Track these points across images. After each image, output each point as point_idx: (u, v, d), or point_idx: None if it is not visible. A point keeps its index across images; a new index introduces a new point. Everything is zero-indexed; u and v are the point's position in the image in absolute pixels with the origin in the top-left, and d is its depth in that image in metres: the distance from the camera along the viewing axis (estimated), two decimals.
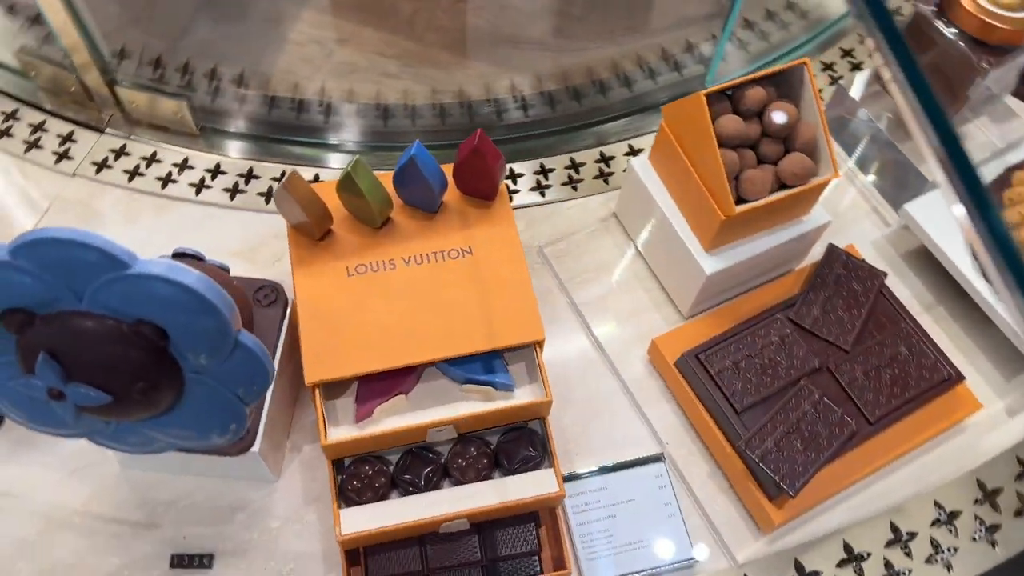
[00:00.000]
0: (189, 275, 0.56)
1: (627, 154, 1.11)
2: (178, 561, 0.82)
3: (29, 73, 1.08)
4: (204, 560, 0.82)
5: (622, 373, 0.94)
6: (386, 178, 0.84)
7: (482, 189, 0.85)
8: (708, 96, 0.82)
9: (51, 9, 0.97)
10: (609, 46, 1.19)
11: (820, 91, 1.11)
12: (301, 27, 1.18)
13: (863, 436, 0.86)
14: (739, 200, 0.85)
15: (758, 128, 0.85)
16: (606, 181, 1.08)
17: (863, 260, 0.95)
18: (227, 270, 0.82)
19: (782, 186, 0.87)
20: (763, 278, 0.98)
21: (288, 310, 0.85)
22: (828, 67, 1.22)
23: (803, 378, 0.88)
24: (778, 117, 0.84)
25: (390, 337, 0.78)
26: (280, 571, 0.82)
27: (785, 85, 0.87)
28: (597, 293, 1.00)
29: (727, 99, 0.86)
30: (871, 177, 1.10)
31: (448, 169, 0.85)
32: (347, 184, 0.79)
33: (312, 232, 0.82)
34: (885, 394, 0.88)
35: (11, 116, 1.08)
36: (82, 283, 0.56)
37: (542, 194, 1.07)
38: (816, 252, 0.99)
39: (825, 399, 0.85)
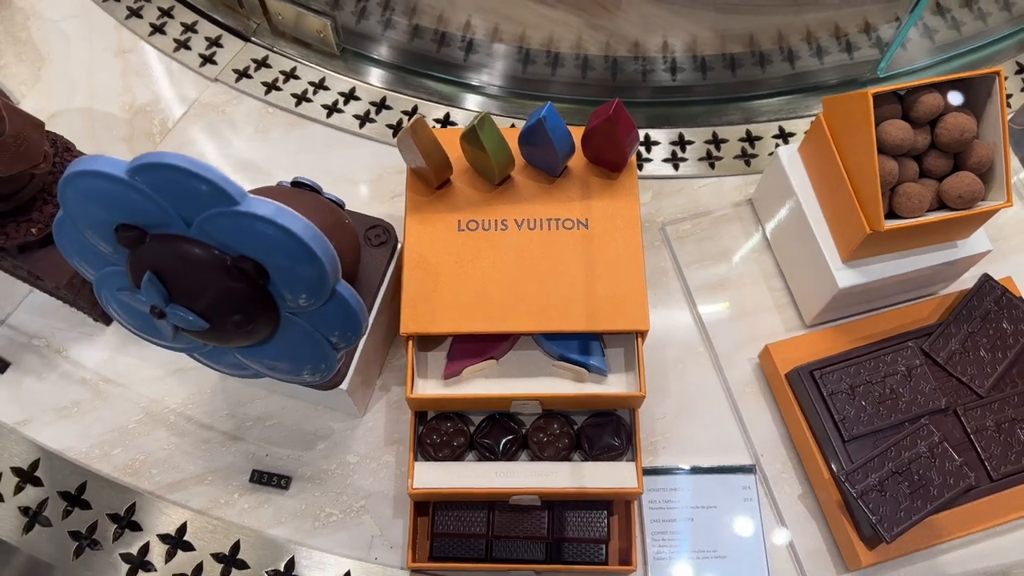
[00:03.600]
0: (296, 221, 0.55)
1: (776, 137, 1.03)
2: (258, 477, 0.85)
3: None
4: (282, 481, 0.84)
5: (727, 373, 0.89)
6: (512, 135, 0.80)
7: (610, 160, 0.80)
8: (876, 96, 0.74)
9: None
10: (777, 14, 1.09)
11: (1009, 97, 0.99)
12: None
13: (980, 492, 0.79)
14: (890, 215, 0.77)
15: (927, 138, 0.77)
16: (747, 163, 1.01)
17: (1021, 298, 0.85)
18: (342, 206, 0.81)
19: (942, 206, 0.78)
20: (901, 298, 0.90)
21: (396, 252, 0.84)
22: (1023, 70, 1.08)
23: (925, 416, 0.80)
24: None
25: (491, 301, 0.76)
26: (351, 506, 0.84)
27: (969, 93, 0.77)
28: (715, 282, 0.94)
29: (898, 101, 0.77)
30: None
31: (577, 133, 0.81)
32: (471, 138, 0.76)
33: (430, 180, 0.80)
34: (1016, 451, 0.80)
35: (166, 13, 1.10)
36: (192, 211, 0.56)
37: (675, 167, 1.01)
38: (966, 279, 0.90)
39: (945, 443, 0.78)
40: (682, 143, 1.02)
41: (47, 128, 0.81)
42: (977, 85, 0.76)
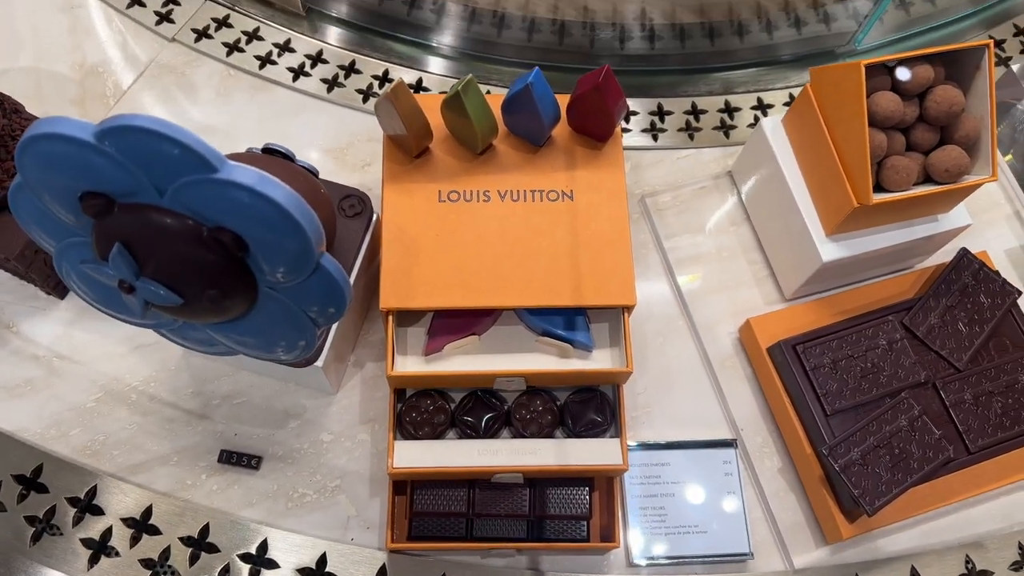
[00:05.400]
0: (280, 190, 0.52)
1: (754, 108, 1.02)
2: (227, 457, 0.81)
3: None
4: (252, 461, 0.81)
5: (707, 347, 0.88)
6: (495, 101, 0.77)
7: (596, 130, 0.78)
8: (867, 67, 0.72)
9: None
10: None
11: (1008, 59, 0.99)
12: None
13: (958, 464, 0.80)
14: (877, 188, 0.77)
15: (915, 111, 0.76)
16: (726, 135, 1.00)
17: (997, 272, 0.86)
18: (315, 174, 0.77)
19: (927, 179, 0.77)
20: (880, 271, 0.90)
21: (372, 223, 0.80)
22: (997, 44, 1.09)
23: (905, 390, 0.81)
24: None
25: (473, 275, 0.73)
26: (325, 486, 0.81)
27: (956, 66, 0.76)
28: (695, 255, 0.93)
29: (887, 72, 0.76)
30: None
31: (560, 101, 0.78)
32: (454, 103, 0.73)
33: (409, 148, 0.76)
34: (992, 424, 0.80)
35: None
36: (166, 179, 0.52)
37: (654, 138, 0.99)
38: (944, 252, 0.90)
39: (924, 417, 0.78)
40: (661, 113, 1.00)
41: None
42: (965, 57, 0.75)
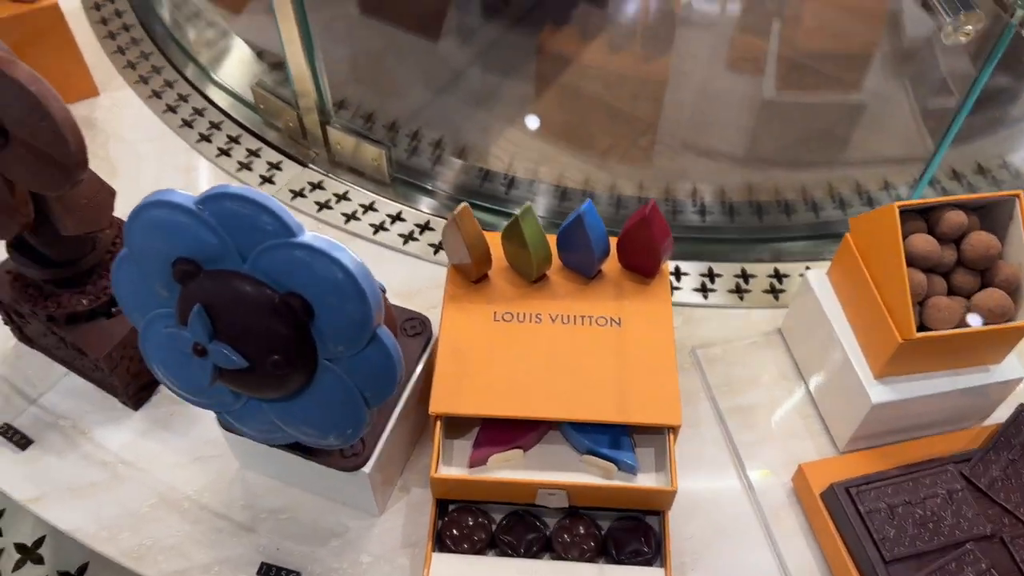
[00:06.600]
0: (347, 256, 0.58)
1: (803, 275, 1.06)
2: (266, 570, 0.81)
3: (259, 106, 1.20)
4: None
5: (759, 496, 0.86)
6: (551, 240, 0.84)
7: (644, 265, 0.83)
8: (902, 212, 0.77)
9: (294, 61, 1.07)
10: (801, 172, 1.17)
11: None
12: (505, 112, 1.25)
13: None
14: (922, 328, 0.78)
15: (953, 255, 0.79)
16: (776, 297, 1.03)
17: None
18: (384, 291, 0.84)
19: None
20: (935, 429, 0.88)
21: (430, 346, 0.85)
22: None
23: (969, 542, 0.76)
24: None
25: (521, 387, 0.76)
26: None
27: (990, 217, 0.80)
28: (746, 406, 0.93)
29: (922, 219, 0.80)
30: None
31: (612, 241, 0.85)
32: (512, 230, 0.80)
33: (470, 272, 0.83)
34: None
35: (234, 140, 1.19)
36: (250, 244, 0.59)
37: (705, 296, 1.03)
38: (1000, 415, 0.88)
39: (993, 571, 0.74)
40: (711, 275, 1.05)
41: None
42: (998, 208, 0.80)
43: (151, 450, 0.90)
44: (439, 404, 0.75)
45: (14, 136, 0.63)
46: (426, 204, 1.13)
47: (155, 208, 0.60)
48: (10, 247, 0.82)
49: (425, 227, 1.10)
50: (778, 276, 1.06)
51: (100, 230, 0.79)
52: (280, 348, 0.61)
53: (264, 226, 0.58)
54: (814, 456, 0.89)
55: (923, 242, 0.78)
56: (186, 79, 1.28)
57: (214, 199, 0.58)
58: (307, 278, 0.59)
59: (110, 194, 0.79)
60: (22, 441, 0.90)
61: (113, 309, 0.87)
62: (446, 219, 1.10)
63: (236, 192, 0.58)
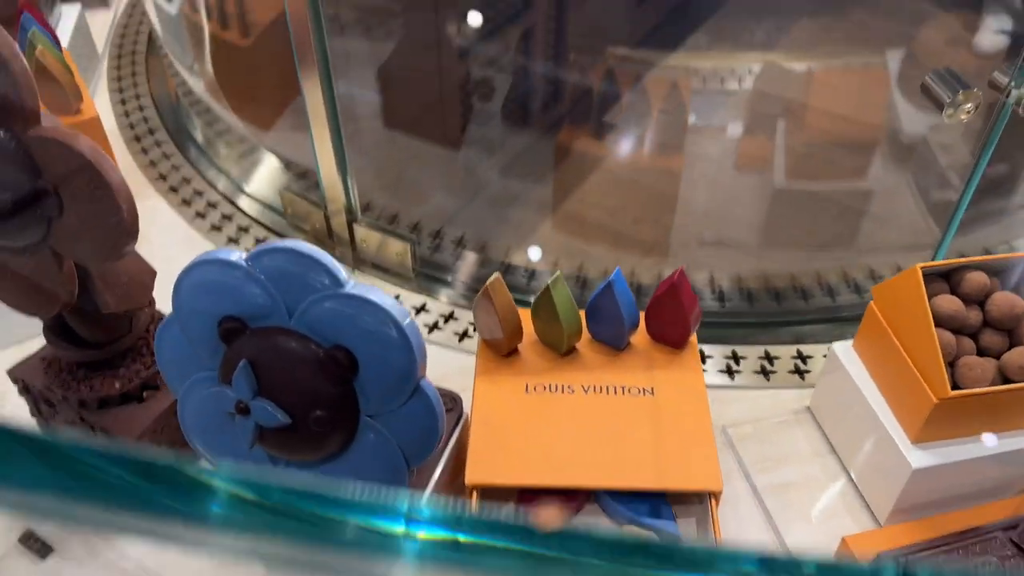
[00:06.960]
0: (396, 308, 0.59)
1: (826, 356, 1.07)
2: None
3: (286, 210, 1.24)
4: None
5: None
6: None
7: (673, 335, 0.84)
8: (925, 275, 0.79)
9: (326, 170, 1.13)
10: (815, 259, 1.20)
11: None
12: (525, 214, 1.29)
13: None
14: (954, 388, 0.78)
15: (979, 315, 0.80)
16: (802, 377, 1.04)
17: None
18: None
19: (1005, 381, 0.79)
20: (976, 501, 0.87)
21: (461, 422, 0.84)
22: None
23: None
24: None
25: (558, 456, 0.75)
26: None
27: (1010, 276, 0.82)
28: (781, 483, 0.92)
29: (944, 282, 0.82)
30: None
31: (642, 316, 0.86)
32: (543, 300, 0.81)
33: (501, 347, 0.83)
34: None
35: (259, 242, 1.23)
36: (298, 298, 0.60)
37: (731, 377, 1.03)
38: None
39: None
40: (735, 357, 1.06)
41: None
42: (1017, 268, 0.81)
43: (174, 558, 0.87)
44: (475, 475, 0.74)
45: (68, 207, 0.66)
46: (448, 295, 1.15)
47: (205, 266, 0.62)
48: (47, 329, 0.84)
49: (449, 317, 1.12)
50: (802, 357, 1.06)
51: (140, 307, 0.81)
52: (323, 403, 0.62)
53: (313, 280, 0.60)
54: (855, 530, 0.87)
55: (949, 302, 0.79)
56: (215, 188, 1.33)
57: (265, 254, 0.60)
58: (354, 329, 0.60)
59: (150, 275, 0.81)
60: (43, 549, 0.88)
61: (144, 393, 0.87)
62: (472, 304, 1.12)
63: (287, 247, 0.60)
